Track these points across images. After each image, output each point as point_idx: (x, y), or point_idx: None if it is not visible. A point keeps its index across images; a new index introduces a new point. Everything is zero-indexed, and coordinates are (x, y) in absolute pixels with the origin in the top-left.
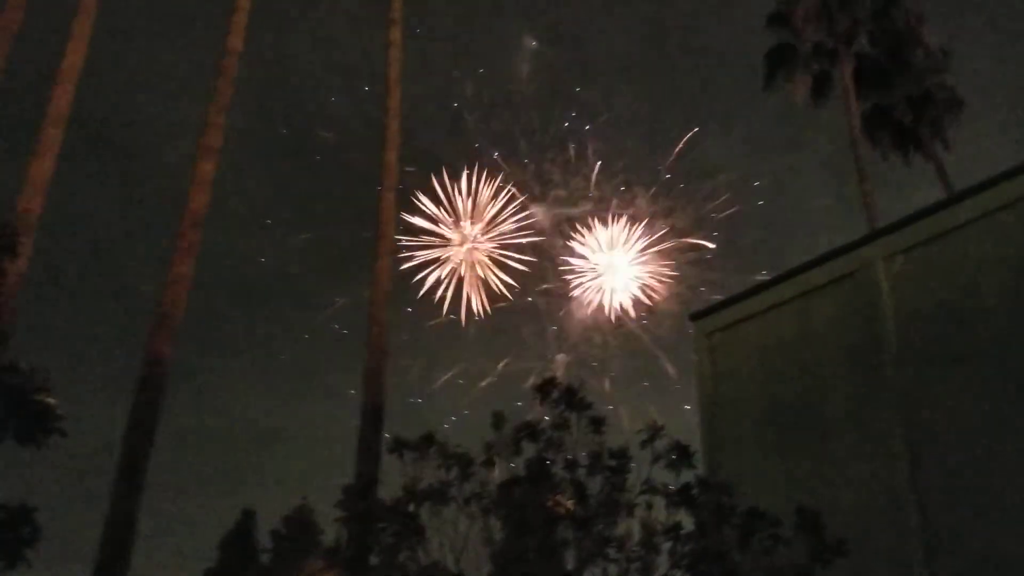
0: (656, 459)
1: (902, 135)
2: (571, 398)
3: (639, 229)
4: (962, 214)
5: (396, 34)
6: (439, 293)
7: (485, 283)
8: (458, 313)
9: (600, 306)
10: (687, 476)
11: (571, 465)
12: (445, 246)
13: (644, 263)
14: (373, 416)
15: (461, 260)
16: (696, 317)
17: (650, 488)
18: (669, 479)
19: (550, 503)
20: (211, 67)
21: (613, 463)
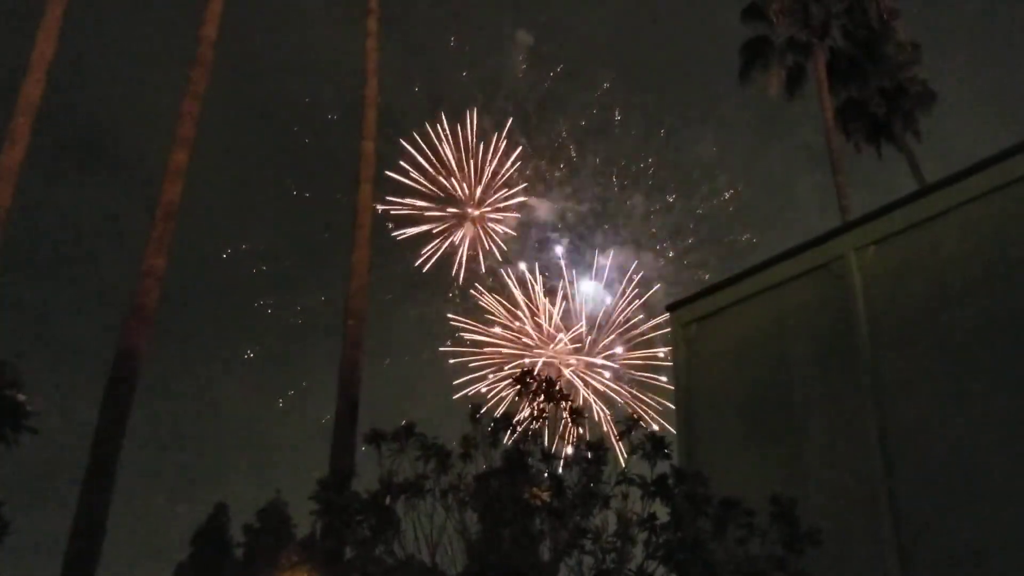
0: (632, 451)
1: (875, 128)
2: (549, 390)
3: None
4: (934, 206)
5: (373, 24)
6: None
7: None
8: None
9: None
10: (662, 467)
11: (548, 457)
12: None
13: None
14: (348, 408)
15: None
16: (672, 308)
17: (626, 479)
18: (645, 470)
19: (526, 495)
20: (187, 56)
21: (590, 455)
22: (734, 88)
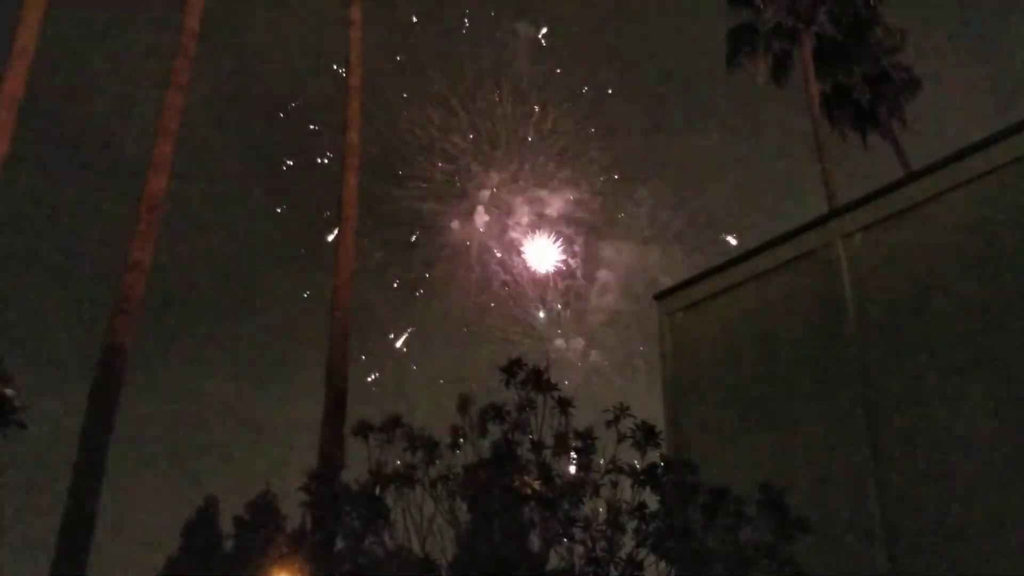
0: (621, 439)
1: (860, 115)
2: (538, 379)
3: None
4: (921, 193)
5: (357, 13)
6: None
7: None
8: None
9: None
10: (652, 455)
11: (537, 446)
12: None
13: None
14: (336, 399)
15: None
16: (659, 297)
17: (615, 468)
18: (635, 459)
19: (516, 484)
20: (170, 48)
21: (579, 444)
22: (730, 79)
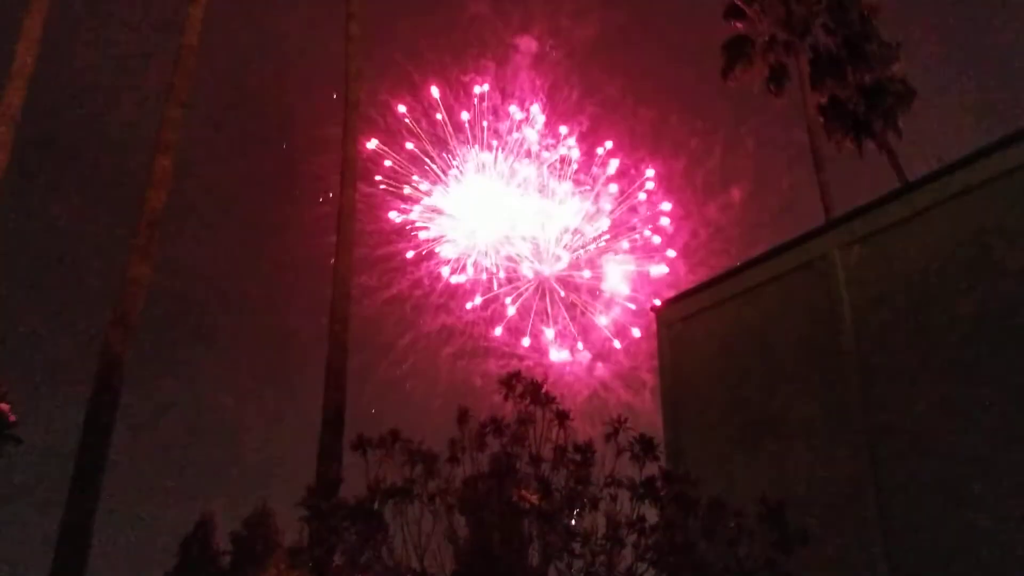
0: (620, 452)
1: (856, 125)
2: (536, 392)
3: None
4: (917, 203)
5: (355, 28)
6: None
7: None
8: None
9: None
10: (651, 468)
11: (536, 460)
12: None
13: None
14: (335, 414)
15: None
16: (657, 309)
17: (614, 482)
18: (633, 472)
19: (514, 498)
20: (171, 62)
21: (577, 457)
22: (730, 94)
